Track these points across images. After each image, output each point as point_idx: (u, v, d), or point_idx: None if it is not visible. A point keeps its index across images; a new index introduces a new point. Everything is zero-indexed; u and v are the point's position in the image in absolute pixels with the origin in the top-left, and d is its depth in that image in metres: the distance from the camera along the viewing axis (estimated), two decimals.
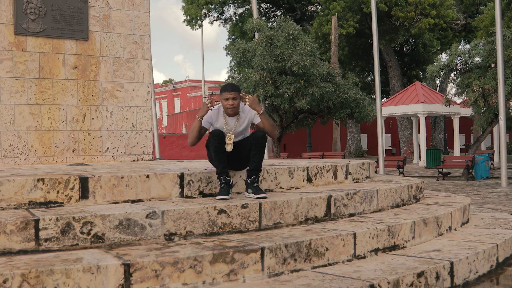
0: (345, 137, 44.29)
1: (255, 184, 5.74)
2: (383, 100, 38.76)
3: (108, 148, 9.28)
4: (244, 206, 5.32)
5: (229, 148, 5.85)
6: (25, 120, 8.61)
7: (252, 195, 5.70)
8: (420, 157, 32.42)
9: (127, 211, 4.79)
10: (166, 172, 5.71)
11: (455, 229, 6.84)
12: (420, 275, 4.82)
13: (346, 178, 7.46)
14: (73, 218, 4.59)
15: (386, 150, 45.25)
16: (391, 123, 44.27)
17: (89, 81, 9.10)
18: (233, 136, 5.92)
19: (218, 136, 5.68)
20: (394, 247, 5.64)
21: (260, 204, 5.42)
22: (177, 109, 61.60)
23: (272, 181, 6.45)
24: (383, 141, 16.94)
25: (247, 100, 5.82)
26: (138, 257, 4.27)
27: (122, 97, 9.39)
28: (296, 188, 6.71)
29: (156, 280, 4.18)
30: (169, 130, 54.38)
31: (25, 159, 8.60)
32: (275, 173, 6.50)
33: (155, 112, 22.91)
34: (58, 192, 5.17)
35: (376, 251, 5.45)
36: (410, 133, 37.58)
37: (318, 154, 30.72)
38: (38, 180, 5.12)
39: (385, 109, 32.87)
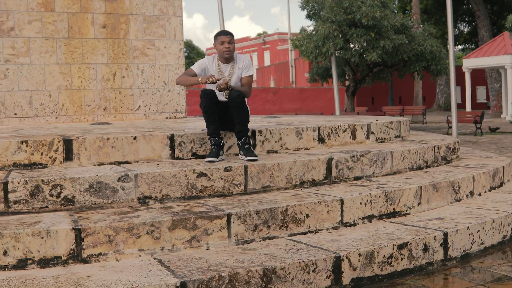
0: (434, 90, 42.79)
1: (246, 146, 5.57)
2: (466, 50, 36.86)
3: (139, 106, 9.34)
4: (227, 169, 5.17)
5: (225, 94, 5.78)
6: (55, 79, 8.77)
7: (243, 157, 5.53)
8: (507, 112, 30.78)
9: (98, 174, 4.76)
10: (154, 134, 5.63)
11: (479, 194, 6.40)
12: (402, 246, 4.53)
13: (368, 138, 7.12)
14: (42, 181, 4.61)
15: (479, 103, 43.40)
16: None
17: (119, 39, 9.13)
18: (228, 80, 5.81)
19: (208, 96, 5.52)
20: (393, 214, 5.35)
21: (246, 167, 5.25)
22: (267, 62, 61.55)
23: (276, 141, 6.25)
24: (455, 95, 16.09)
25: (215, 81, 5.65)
26: (96, 221, 4.24)
27: (153, 55, 9.36)
28: (305, 149, 6.47)
29: (109, 246, 4.14)
30: (258, 84, 54.61)
31: (56, 117, 8.80)
32: (280, 133, 6.28)
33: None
34: (42, 154, 5.21)
35: (369, 218, 5.17)
36: (500, 86, 35.71)
37: (398, 109, 29.86)
38: (22, 142, 5.18)
39: (470, 61, 31.30)
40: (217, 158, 5.45)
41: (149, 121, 8.83)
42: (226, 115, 5.75)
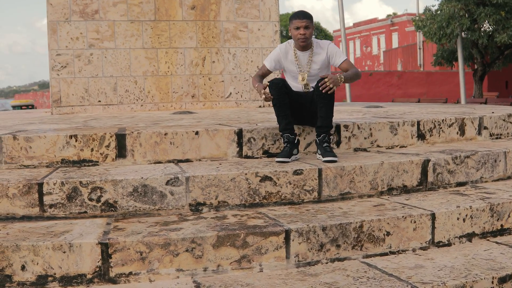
0: None
1: (325, 145, 4.79)
2: None
3: (230, 93, 8.75)
4: (297, 173, 4.42)
5: (300, 85, 5.10)
6: (141, 64, 8.38)
7: (320, 157, 4.77)
8: None
9: (143, 176, 4.18)
10: (218, 128, 4.98)
11: None
12: (504, 279, 3.59)
13: (479, 134, 6.09)
14: (81, 183, 4.11)
15: None
16: None
17: (208, 21, 8.57)
18: (306, 75, 5.04)
19: (277, 86, 4.79)
20: (500, 232, 4.38)
21: (320, 170, 4.48)
22: (395, 45, 59.52)
23: (365, 138, 5.41)
24: None
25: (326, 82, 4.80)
26: (130, 234, 3.67)
27: (245, 38, 8.73)
28: (401, 147, 5.58)
29: (141, 264, 3.56)
30: (385, 67, 53.09)
31: (141, 105, 8.42)
32: (370, 129, 5.43)
33: (347, 55, 21.92)
34: (92, 150, 4.74)
35: (469, 236, 4.25)
36: None
37: None
38: (70, 137, 4.73)
39: None
40: (290, 158, 4.72)
41: (239, 110, 8.22)
42: (304, 108, 5.01)
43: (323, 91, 4.66)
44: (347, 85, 21.77)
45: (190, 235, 3.62)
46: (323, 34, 75.26)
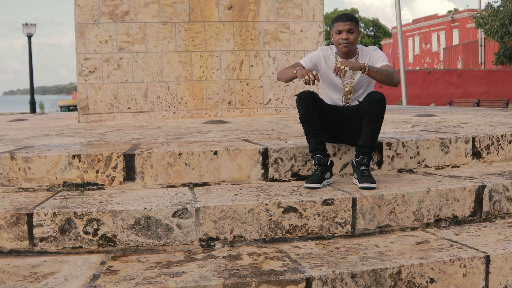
0: None
1: (363, 168, 4.15)
2: None
3: (270, 99, 8.16)
4: (327, 203, 3.81)
5: (341, 98, 4.51)
6: (173, 69, 7.88)
7: (356, 182, 4.13)
8: None
9: (146, 207, 3.64)
10: (241, 147, 4.40)
11: None
12: None
13: None
14: (75, 214, 3.61)
15: None
16: None
17: (247, 22, 8.00)
18: (347, 89, 4.42)
19: (305, 100, 4.18)
20: None
21: (354, 200, 3.86)
22: (456, 42, 57.73)
23: (411, 157, 4.74)
24: None
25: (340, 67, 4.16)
26: (122, 279, 3.13)
27: (287, 40, 8.11)
28: (453, 167, 4.89)
29: None
30: (444, 65, 51.63)
31: (174, 112, 7.92)
32: (417, 146, 4.76)
33: (403, 54, 20.99)
34: (97, 171, 4.24)
35: None
36: None
37: None
38: (73, 157, 4.24)
39: None
40: (321, 183, 4.12)
41: (278, 118, 7.62)
42: (343, 124, 4.39)
43: (336, 73, 4.13)
44: (403, 83, 20.84)
45: (191, 284, 3.05)
46: (382, 30, 73.77)
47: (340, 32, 4.33)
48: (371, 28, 74.39)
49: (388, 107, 12.74)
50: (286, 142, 4.65)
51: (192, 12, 7.87)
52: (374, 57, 4.38)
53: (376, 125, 4.13)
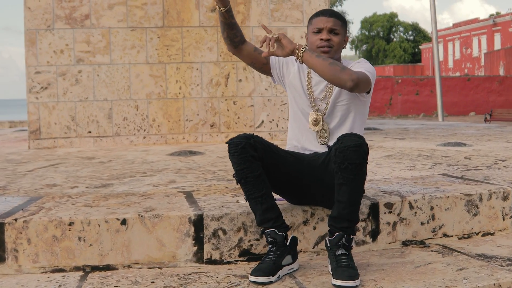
0: None
1: (340, 252, 2.70)
2: None
3: (262, 121, 6.74)
4: None
5: (312, 129, 3.09)
6: (144, 84, 6.53)
7: (331, 277, 2.68)
8: None
9: None
10: (163, 214, 2.98)
11: None
12: None
13: None
14: None
15: None
16: None
17: None
18: (320, 116, 3.02)
19: (236, 149, 2.77)
20: None
21: None
22: (497, 46, 55.52)
23: (423, 223, 3.28)
24: None
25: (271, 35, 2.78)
26: None
27: None
28: (485, 235, 3.40)
29: None
30: (486, 71, 49.69)
31: (144, 137, 6.55)
32: (431, 207, 3.29)
33: (438, 61, 19.35)
34: None
35: None
36: None
37: None
38: None
39: None
40: (274, 274, 2.69)
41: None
42: (313, 178, 2.95)
43: (263, 44, 2.79)
44: (438, 91, 19.17)
45: None
46: (422, 34, 71.64)
47: (319, 31, 2.95)
48: (410, 33, 72.43)
49: (414, 123, 11.12)
50: (237, 202, 3.22)
51: (167, 16, 6.50)
52: (355, 64, 2.97)
53: (354, 187, 2.68)
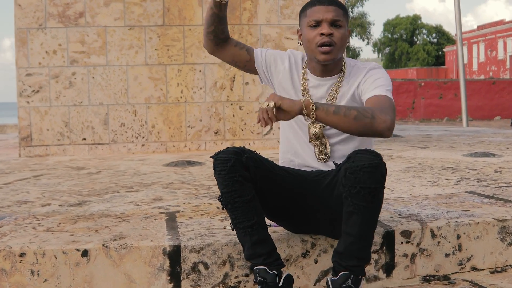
0: None
1: None
2: None
3: (270, 128, 6.22)
4: None
5: (316, 150, 2.55)
6: (142, 88, 6.06)
7: None
8: None
9: None
10: (132, 244, 2.49)
11: None
12: None
13: None
14: None
15: None
16: None
17: (240, 25, 6.11)
18: (320, 128, 2.48)
19: (224, 167, 2.26)
20: None
21: None
22: None
23: (448, 255, 2.74)
24: None
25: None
26: None
27: (294, 49, 6.16)
28: None
29: None
30: (511, 73, 48.72)
31: (142, 145, 6.08)
32: (458, 236, 2.76)
33: (463, 63, 18.65)
34: None
35: None
36: None
37: None
38: None
39: None
40: None
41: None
42: (315, 202, 2.43)
43: (259, 123, 2.20)
44: (463, 95, 18.46)
45: None
46: (445, 37, 70.58)
47: (317, 24, 2.38)
48: (434, 35, 71.46)
49: (437, 129, 10.49)
50: (224, 228, 2.72)
51: (168, 13, 6.03)
52: (367, 80, 2.39)
53: (367, 217, 2.16)
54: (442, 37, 71.52)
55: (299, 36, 2.49)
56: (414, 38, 71.21)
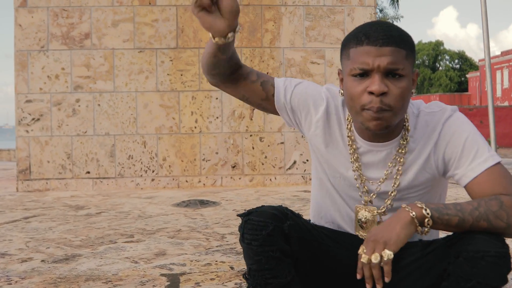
0: None
1: None
2: None
3: (294, 162, 5.64)
4: None
5: (360, 232, 1.77)
6: (153, 116, 5.51)
7: None
8: None
9: None
10: None
11: None
12: None
13: None
14: None
15: None
16: None
17: (262, 48, 5.55)
18: (375, 214, 1.73)
19: (257, 237, 1.62)
20: None
21: None
22: None
23: None
24: None
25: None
26: None
27: (321, 75, 5.61)
28: None
29: None
30: None
31: (152, 179, 5.51)
32: None
33: (491, 89, 17.96)
34: None
35: None
36: None
37: None
38: None
39: None
40: None
41: (304, 192, 5.09)
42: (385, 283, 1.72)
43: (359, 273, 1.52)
44: (491, 121, 17.65)
45: None
46: (468, 63, 69.75)
47: (364, 73, 1.60)
48: (456, 61, 70.75)
49: None
50: None
51: (182, 35, 5.50)
52: (449, 144, 1.66)
53: None
54: (465, 63, 70.78)
55: (340, 81, 1.72)
56: (437, 64, 70.54)
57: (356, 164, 1.72)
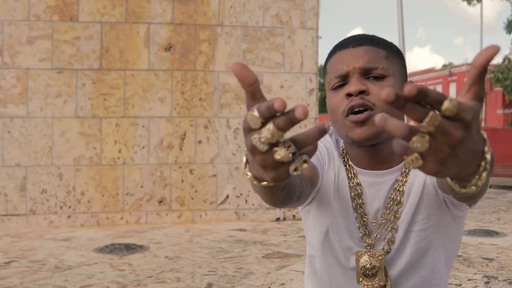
0: None
1: None
2: None
3: (227, 196, 5.21)
4: None
5: (366, 281, 1.35)
6: (71, 145, 4.94)
7: None
8: None
9: None
10: None
11: None
12: None
13: None
14: None
15: None
16: None
17: (194, 71, 5.12)
18: (381, 259, 1.33)
19: None
20: None
21: None
22: (453, 95, 55.90)
23: None
24: None
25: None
26: None
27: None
28: None
29: None
30: None
31: (69, 216, 4.93)
32: None
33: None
34: None
35: None
36: None
37: None
38: None
39: None
40: None
41: (238, 231, 4.66)
42: None
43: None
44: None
45: None
46: None
47: (342, 80, 1.32)
48: None
49: None
50: None
51: (106, 54, 4.97)
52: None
53: None
54: None
55: (327, 98, 1.40)
56: None
57: (359, 201, 1.38)
